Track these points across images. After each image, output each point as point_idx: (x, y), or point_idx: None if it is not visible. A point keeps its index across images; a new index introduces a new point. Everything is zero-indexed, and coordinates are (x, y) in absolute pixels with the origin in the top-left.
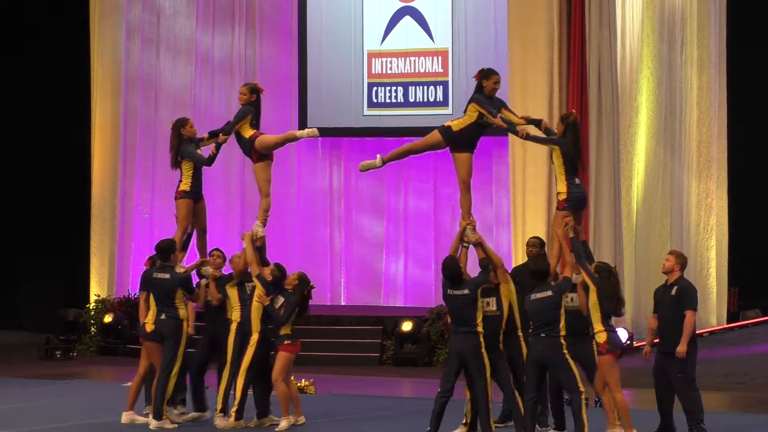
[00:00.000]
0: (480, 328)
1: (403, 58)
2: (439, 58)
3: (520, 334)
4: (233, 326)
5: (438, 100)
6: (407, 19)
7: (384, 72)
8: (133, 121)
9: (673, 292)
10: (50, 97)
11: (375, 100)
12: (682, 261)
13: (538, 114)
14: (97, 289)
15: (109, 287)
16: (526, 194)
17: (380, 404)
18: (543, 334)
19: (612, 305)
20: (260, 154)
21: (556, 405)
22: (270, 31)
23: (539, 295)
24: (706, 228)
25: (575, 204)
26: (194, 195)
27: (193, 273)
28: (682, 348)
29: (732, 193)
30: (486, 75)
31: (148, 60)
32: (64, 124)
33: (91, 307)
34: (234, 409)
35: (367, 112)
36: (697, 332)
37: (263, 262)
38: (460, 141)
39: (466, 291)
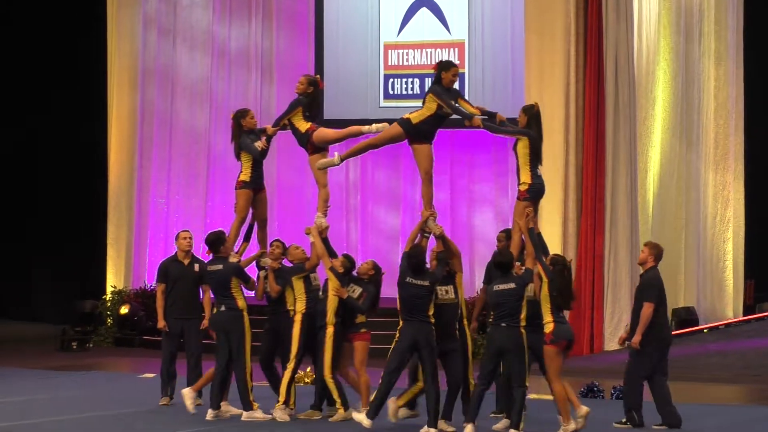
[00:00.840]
0: (432, 319)
1: (419, 50)
2: (456, 50)
3: (465, 323)
4: (298, 317)
5: None
6: (424, 11)
7: (400, 63)
8: (150, 113)
9: (639, 283)
10: (67, 88)
11: (391, 92)
12: (656, 252)
13: (554, 106)
14: (113, 281)
15: (125, 279)
16: None
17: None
18: (504, 324)
19: (563, 299)
20: (316, 147)
21: (507, 394)
22: (287, 23)
23: (502, 287)
24: (723, 220)
25: (536, 195)
26: (254, 185)
27: (253, 264)
28: (635, 339)
29: (749, 186)
30: (445, 67)
31: (165, 51)
32: (81, 115)
33: (107, 299)
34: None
35: (383, 103)
36: (713, 324)
37: (330, 253)
38: (420, 133)
39: (426, 282)
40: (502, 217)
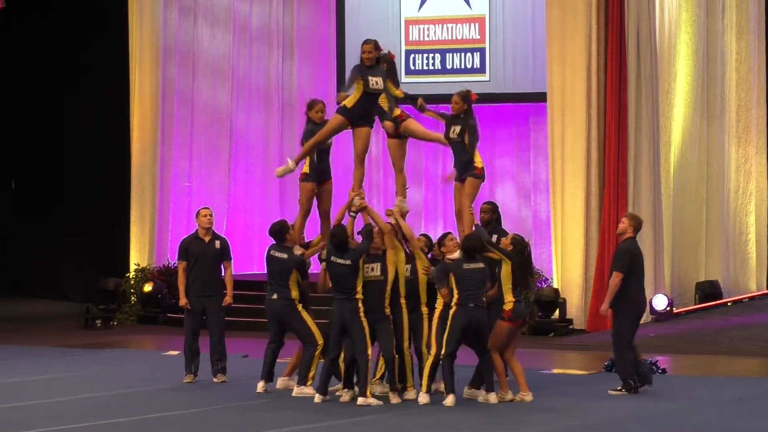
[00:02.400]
0: (359, 295)
1: (440, 25)
2: (476, 24)
3: (403, 302)
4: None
5: (475, 66)
6: None
7: (421, 39)
8: (171, 91)
9: (614, 253)
10: (89, 67)
11: (412, 68)
12: (635, 223)
13: (576, 80)
14: (137, 258)
15: (149, 256)
16: (565, 161)
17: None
18: (471, 305)
19: (522, 277)
20: (398, 133)
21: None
22: None
23: (471, 266)
24: (746, 193)
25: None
26: (316, 177)
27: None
28: (603, 307)
29: None
30: (361, 45)
31: (186, 29)
32: (104, 95)
33: (131, 276)
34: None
35: (404, 79)
36: (736, 298)
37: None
38: (358, 116)
39: (348, 261)
40: (523, 193)
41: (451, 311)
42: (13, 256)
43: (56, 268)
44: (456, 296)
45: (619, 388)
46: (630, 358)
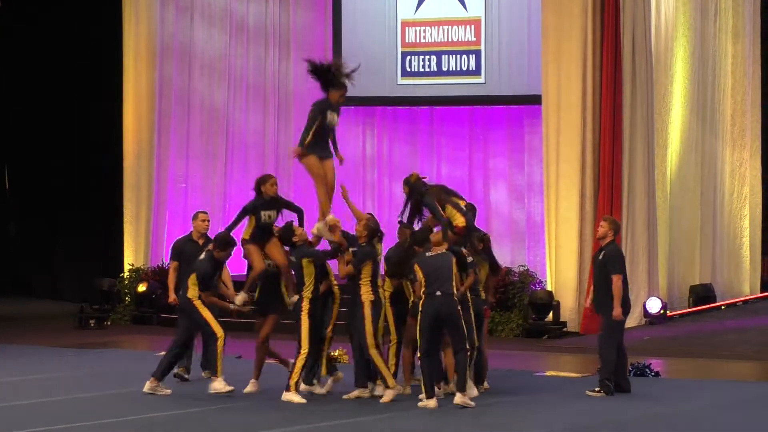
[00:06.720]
0: (306, 292)
1: (436, 27)
2: (472, 26)
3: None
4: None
5: (471, 68)
6: None
7: (417, 41)
8: (168, 90)
9: (601, 256)
10: (82, 66)
11: (408, 69)
12: (615, 227)
13: (571, 83)
14: (131, 259)
15: (144, 256)
16: (560, 163)
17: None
18: (438, 293)
19: (492, 271)
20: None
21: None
22: None
23: (433, 254)
24: (740, 197)
25: None
26: (318, 153)
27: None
28: (616, 312)
29: (765, 162)
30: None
31: (182, 28)
32: (98, 92)
33: (125, 277)
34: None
35: (400, 81)
36: (730, 301)
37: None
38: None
39: (293, 258)
40: (517, 195)
41: (420, 302)
42: (9, 257)
43: (52, 268)
44: (423, 287)
45: (597, 389)
46: (613, 359)
